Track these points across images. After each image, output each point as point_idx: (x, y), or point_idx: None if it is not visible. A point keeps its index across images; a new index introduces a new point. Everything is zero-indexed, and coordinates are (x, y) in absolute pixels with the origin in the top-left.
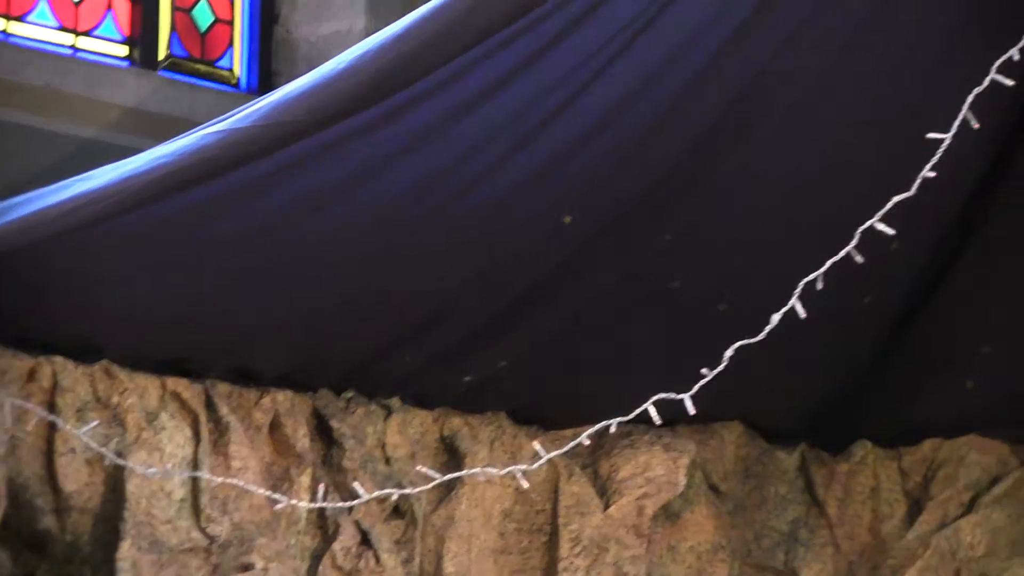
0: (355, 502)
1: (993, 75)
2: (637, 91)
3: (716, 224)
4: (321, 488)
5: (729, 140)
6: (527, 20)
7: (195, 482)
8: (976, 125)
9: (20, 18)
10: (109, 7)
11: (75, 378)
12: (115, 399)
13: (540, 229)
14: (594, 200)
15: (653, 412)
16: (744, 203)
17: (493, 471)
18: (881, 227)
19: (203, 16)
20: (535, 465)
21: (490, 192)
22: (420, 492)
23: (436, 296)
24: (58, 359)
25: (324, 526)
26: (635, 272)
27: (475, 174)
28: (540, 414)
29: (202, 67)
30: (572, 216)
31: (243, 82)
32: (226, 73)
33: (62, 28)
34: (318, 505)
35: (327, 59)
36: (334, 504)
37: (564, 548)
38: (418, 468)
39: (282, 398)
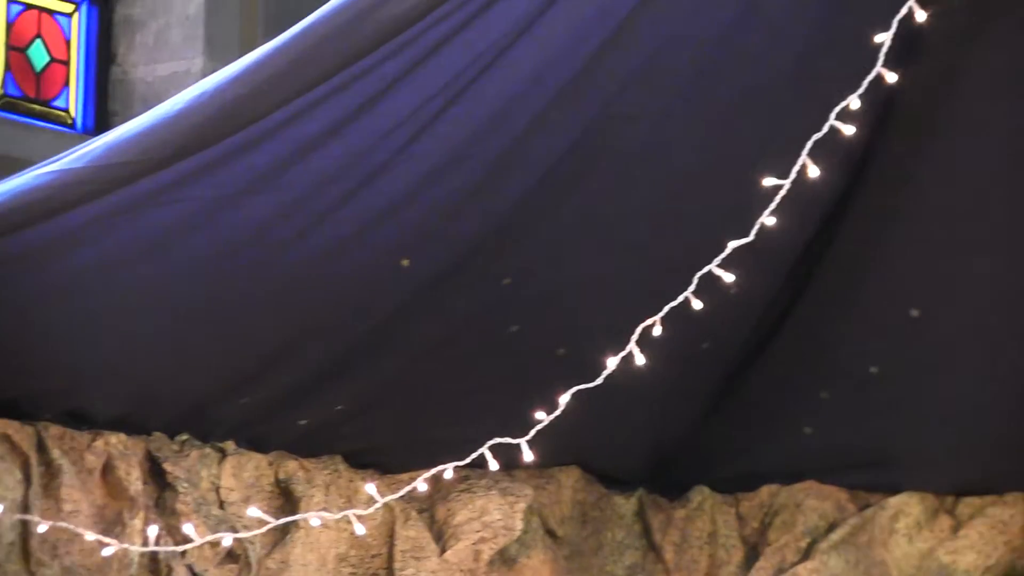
0: (188, 546)
1: (832, 121)
2: (478, 133)
3: (555, 268)
4: (154, 531)
5: (569, 183)
6: (366, 63)
7: (25, 525)
8: (815, 172)
9: None
10: None
11: None
12: None
13: (378, 272)
14: (433, 243)
15: (490, 457)
16: (583, 247)
17: (328, 515)
18: (719, 272)
19: (38, 56)
20: (370, 509)
21: (329, 235)
22: (254, 536)
23: (272, 340)
24: None
25: (156, 570)
26: (473, 316)
27: (314, 217)
28: (377, 458)
29: (37, 107)
30: (411, 259)
31: (79, 122)
32: (62, 113)
33: None
34: (150, 549)
35: (164, 100)
36: (167, 548)
37: None
38: (251, 511)
39: (115, 440)
